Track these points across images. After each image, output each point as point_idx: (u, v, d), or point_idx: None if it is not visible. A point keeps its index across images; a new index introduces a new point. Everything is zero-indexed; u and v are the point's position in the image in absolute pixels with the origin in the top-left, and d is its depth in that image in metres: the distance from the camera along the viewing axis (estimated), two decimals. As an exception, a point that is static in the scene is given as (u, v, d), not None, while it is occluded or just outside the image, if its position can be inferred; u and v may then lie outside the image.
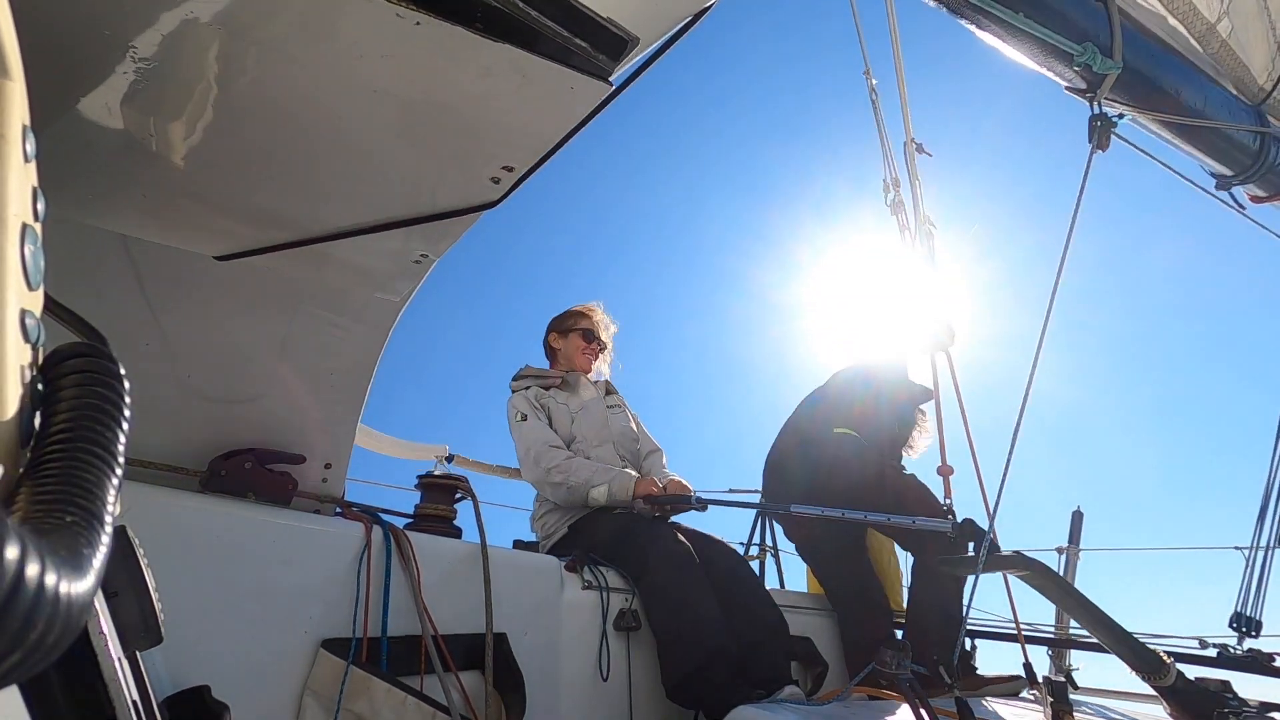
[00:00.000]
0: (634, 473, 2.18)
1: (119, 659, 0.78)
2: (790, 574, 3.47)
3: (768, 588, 2.30)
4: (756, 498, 3.24)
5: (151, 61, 0.97)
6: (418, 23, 0.94)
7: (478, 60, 1.01)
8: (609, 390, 2.70)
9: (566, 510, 2.33)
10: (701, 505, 2.29)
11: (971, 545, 1.79)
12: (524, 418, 2.40)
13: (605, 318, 2.75)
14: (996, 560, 1.57)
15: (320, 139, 1.16)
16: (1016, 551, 1.59)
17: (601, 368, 2.73)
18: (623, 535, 2.18)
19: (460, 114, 1.12)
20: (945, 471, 2.13)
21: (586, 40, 1.01)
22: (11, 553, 0.25)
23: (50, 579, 0.27)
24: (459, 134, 1.16)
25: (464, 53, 0.99)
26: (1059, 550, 2.99)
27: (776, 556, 3.29)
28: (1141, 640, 1.57)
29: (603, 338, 2.71)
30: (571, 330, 2.68)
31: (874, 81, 2.37)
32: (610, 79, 1.08)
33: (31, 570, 0.26)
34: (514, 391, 2.54)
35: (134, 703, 0.79)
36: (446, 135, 1.17)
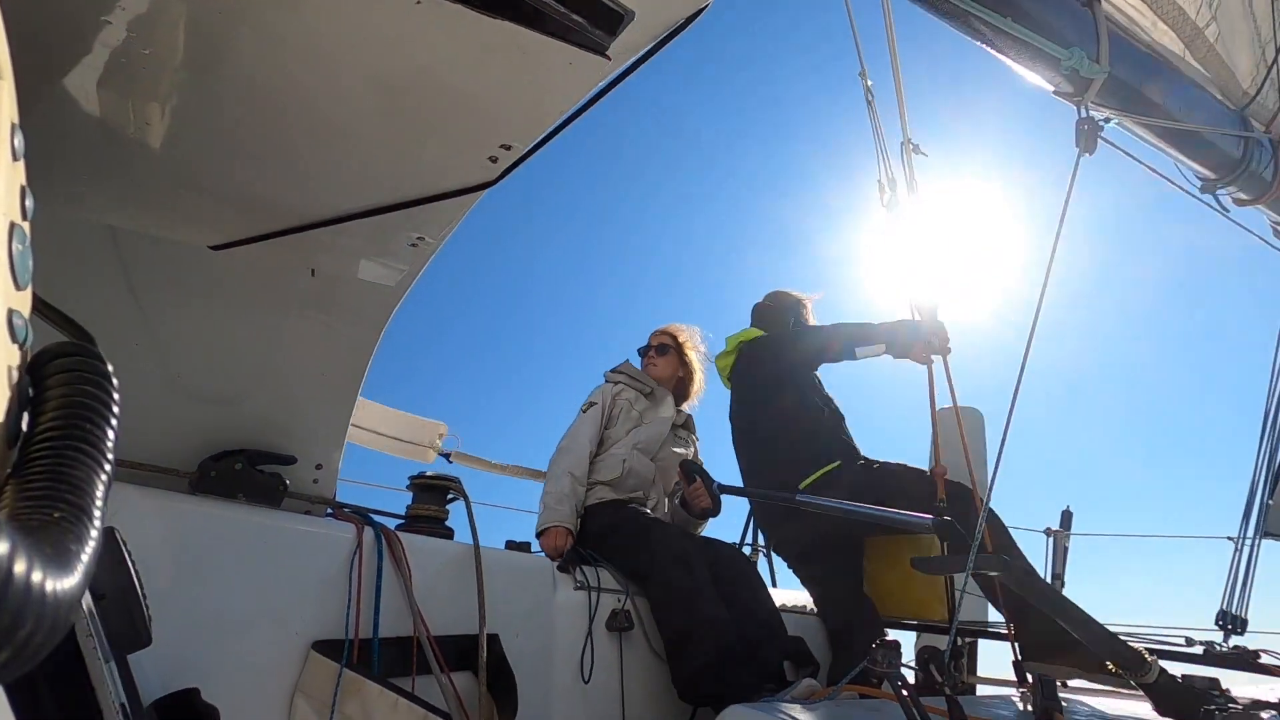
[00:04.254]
0: (567, 526, 2.22)
1: (107, 662, 0.78)
2: (783, 574, 3.47)
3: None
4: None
5: (140, 45, 0.96)
6: (417, 1, 0.94)
7: (476, 37, 1.01)
8: (686, 425, 2.76)
9: (588, 491, 2.38)
10: (717, 509, 2.43)
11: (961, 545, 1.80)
12: (588, 408, 2.53)
13: (684, 338, 2.79)
14: (971, 561, 1.58)
15: (315, 121, 1.15)
16: (992, 553, 1.59)
17: (692, 397, 2.80)
18: (631, 527, 2.21)
19: (458, 92, 1.11)
20: (939, 473, 2.14)
21: (583, 15, 1.01)
22: None
23: (37, 577, 0.26)
24: (457, 112, 1.16)
25: (463, 30, 0.99)
26: (1048, 532, 2.99)
27: (769, 556, 3.30)
28: (1125, 638, 1.58)
29: (665, 354, 2.75)
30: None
31: (869, 83, 2.38)
32: (607, 54, 1.08)
33: (19, 568, 0.26)
34: (605, 380, 2.66)
35: (122, 706, 0.78)
36: (444, 114, 1.16)
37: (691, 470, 2.46)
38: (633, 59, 1.13)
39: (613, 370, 2.70)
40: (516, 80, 1.10)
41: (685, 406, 2.79)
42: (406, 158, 1.26)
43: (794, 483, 2.46)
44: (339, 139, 1.20)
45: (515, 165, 1.28)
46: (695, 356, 2.78)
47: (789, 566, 2.73)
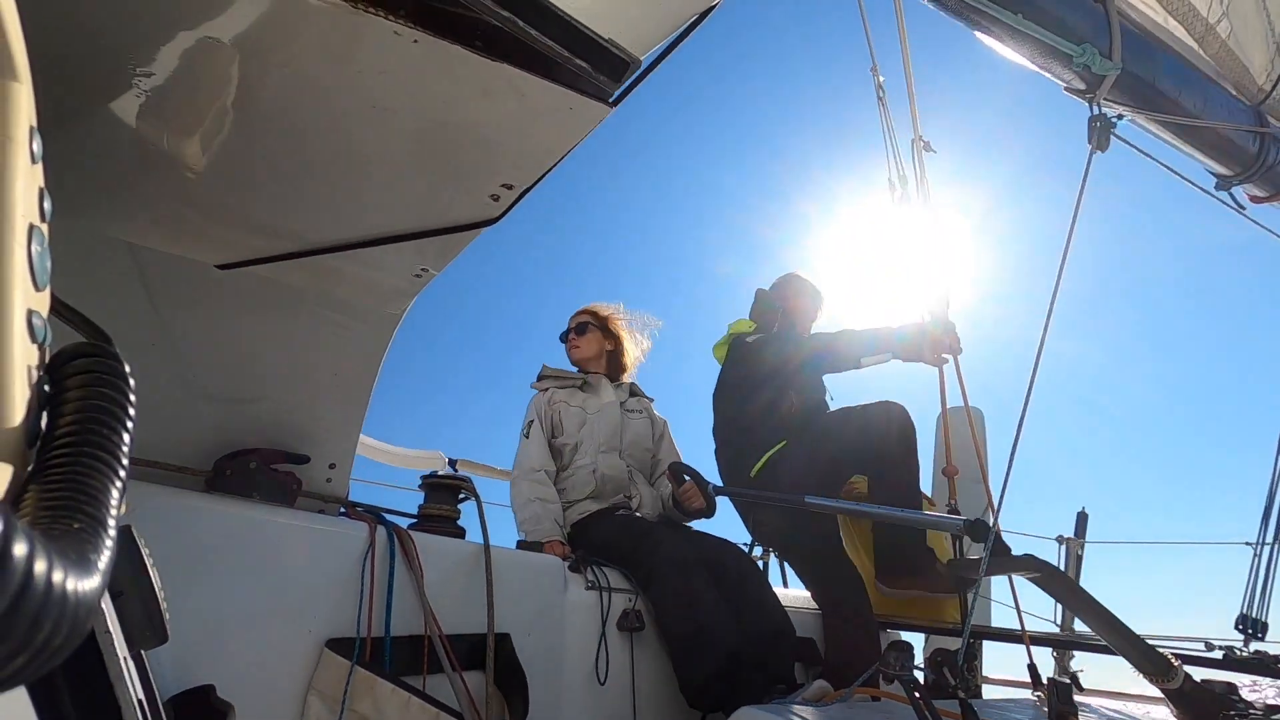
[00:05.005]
0: (556, 539, 2.20)
1: (125, 658, 0.79)
2: (793, 574, 3.46)
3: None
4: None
5: (158, 77, 0.98)
6: (415, 41, 0.94)
7: (477, 80, 1.01)
8: (633, 393, 2.65)
9: (571, 512, 2.35)
10: (711, 510, 2.36)
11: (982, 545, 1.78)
12: (527, 432, 2.43)
13: (606, 313, 2.66)
14: (1007, 563, 1.57)
15: (321, 153, 1.17)
16: (1028, 554, 1.58)
17: (629, 368, 2.68)
18: (628, 538, 2.19)
19: (460, 132, 1.12)
20: (950, 472, 2.12)
21: (587, 61, 1.00)
22: (20, 552, 0.25)
23: (57, 580, 0.27)
24: (459, 151, 1.17)
25: (463, 72, 1.00)
26: (1059, 540, 2.97)
27: (780, 556, 3.29)
28: (1148, 643, 1.57)
29: (585, 333, 2.62)
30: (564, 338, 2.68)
31: (881, 79, 2.36)
32: (610, 99, 1.07)
33: (39, 571, 0.26)
34: (535, 391, 2.56)
35: (139, 702, 0.79)
36: (446, 152, 1.17)
37: (680, 471, 2.40)
38: (629, 78, 1.12)
39: (536, 380, 2.59)
40: (517, 123, 1.10)
41: (625, 378, 2.67)
42: (409, 192, 1.28)
43: (745, 474, 2.43)
44: (346, 171, 1.22)
45: (515, 202, 1.29)
46: (619, 327, 2.64)
47: (785, 561, 2.72)
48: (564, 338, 2.65)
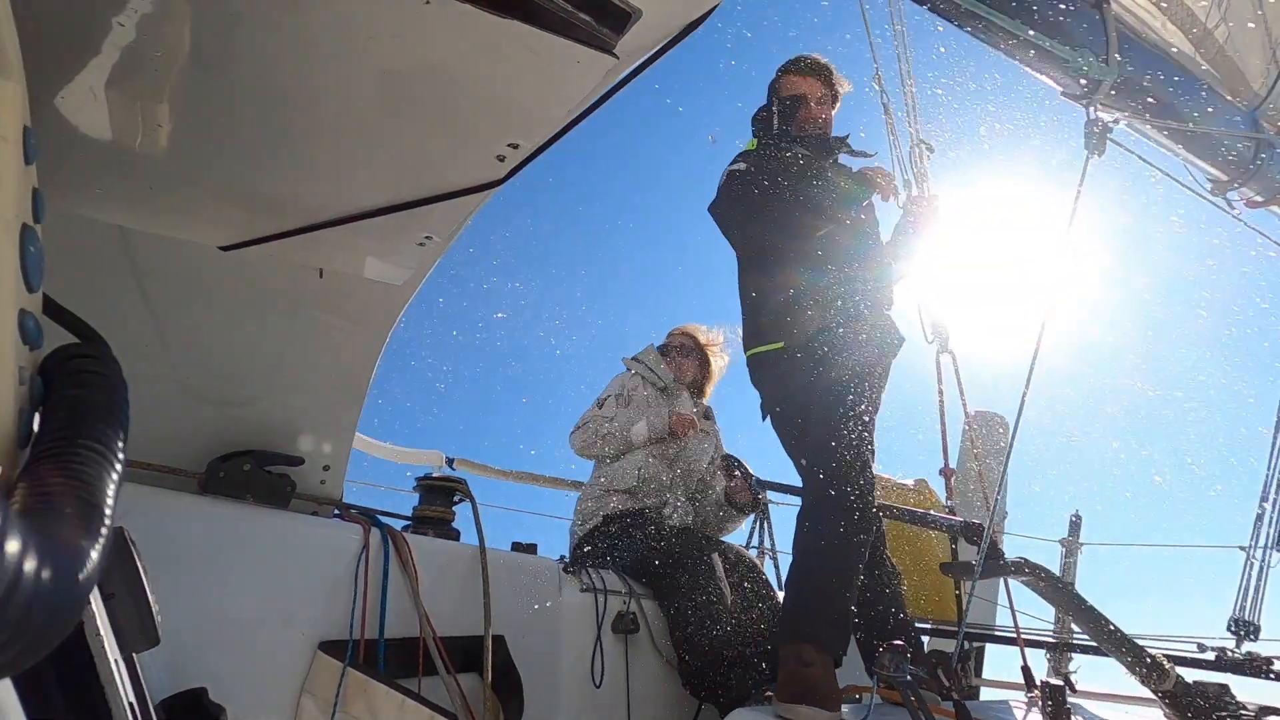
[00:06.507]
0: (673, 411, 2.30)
1: (116, 660, 0.78)
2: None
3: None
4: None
5: (150, 44, 0.96)
6: (427, 2, 0.94)
7: (484, 36, 1.01)
8: (707, 415, 2.74)
9: (606, 500, 2.37)
10: (757, 505, 2.51)
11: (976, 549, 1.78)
12: (601, 405, 2.52)
13: (705, 340, 2.79)
14: (1001, 567, 1.57)
15: (325, 121, 1.15)
16: (1021, 558, 1.59)
17: (708, 393, 2.80)
18: (651, 530, 2.22)
19: (467, 91, 1.12)
20: (947, 473, 2.13)
21: (589, 13, 1.01)
22: (12, 546, 0.25)
23: (48, 571, 0.27)
24: (465, 111, 1.16)
25: (472, 29, 1.00)
26: (1062, 543, 2.98)
27: (775, 558, 3.29)
28: (1141, 644, 1.57)
29: (688, 356, 2.75)
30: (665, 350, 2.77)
31: (881, 86, 2.37)
32: (614, 51, 1.08)
33: (30, 563, 0.26)
34: (626, 367, 2.65)
35: (130, 704, 0.79)
36: (454, 113, 1.17)
37: (733, 466, 2.49)
38: (641, 59, 1.13)
39: (633, 358, 2.67)
40: (524, 79, 1.10)
41: (703, 399, 2.78)
42: (415, 157, 1.26)
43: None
44: (348, 138, 1.21)
45: (523, 165, 1.29)
46: (714, 357, 2.78)
47: None
48: (664, 351, 2.75)
